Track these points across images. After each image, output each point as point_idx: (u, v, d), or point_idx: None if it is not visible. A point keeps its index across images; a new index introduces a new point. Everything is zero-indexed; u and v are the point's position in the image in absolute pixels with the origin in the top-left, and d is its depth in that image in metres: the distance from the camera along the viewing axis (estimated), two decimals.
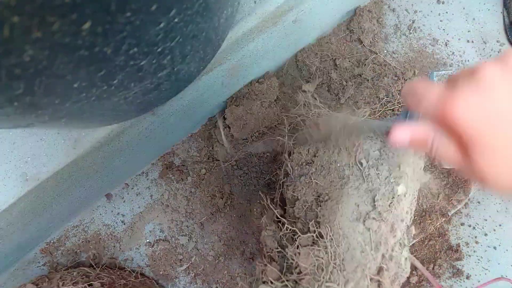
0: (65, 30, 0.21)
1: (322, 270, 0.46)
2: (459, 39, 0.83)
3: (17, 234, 0.64)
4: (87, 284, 0.65)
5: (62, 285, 0.65)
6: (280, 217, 0.53)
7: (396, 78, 0.80)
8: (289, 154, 0.58)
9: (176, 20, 0.30)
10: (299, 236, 0.48)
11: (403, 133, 0.37)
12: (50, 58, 0.23)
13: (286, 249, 0.49)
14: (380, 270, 0.45)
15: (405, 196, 0.47)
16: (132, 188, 0.80)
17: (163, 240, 0.79)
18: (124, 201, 0.80)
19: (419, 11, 0.84)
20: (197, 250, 0.79)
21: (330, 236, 0.46)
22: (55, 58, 0.23)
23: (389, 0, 0.84)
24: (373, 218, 0.46)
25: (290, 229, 0.50)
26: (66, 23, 0.21)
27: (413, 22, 0.83)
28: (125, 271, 0.76)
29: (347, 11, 0.81)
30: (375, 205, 0.46)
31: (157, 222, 0.80)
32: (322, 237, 0.47)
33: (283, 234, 0.51)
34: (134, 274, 0.75)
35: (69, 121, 0.37)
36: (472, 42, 0.83)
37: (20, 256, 0.76)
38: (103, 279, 0.68)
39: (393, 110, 0.78)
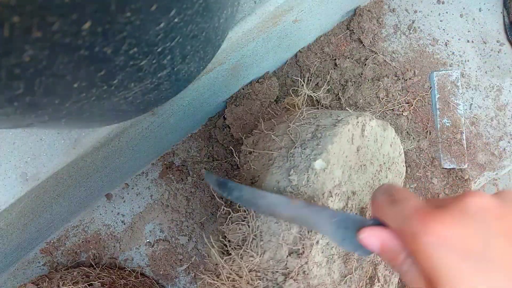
0: (65, 30, 0.21)
1: (245, 241, 0.48)
2: (459, 39, 0.83)
3: (17, 234, 0.64)
4: (87, 284, 0.65)
5: (62, 285, 0.65)
6: (224, 203, 0.56)
7: (396, 78, 0.80)
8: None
9: (176, 20, 0.30)
10: (232, 215, 0.51)
11: (373, 239, 0.33)
12: (50, 58, 0.23)
13: (221, 227, 0.53)
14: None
15: (324, 171, 0.47)
16: (132, 188, 0.80)
17: (163, 240, 0.79)
18: (124, 201, 0.80)
19: (419, 11, 0.84)
20: (197, 250, 0.79)
21: (252, 211, 0.48)
22: (55, 58, 0.23)
23: (389, 0, 0.84)
24: (290, 192, 0.47)
25: (225, 210, 0.54)
26: (66, 23, 0.21)
27: (413, 22, 0.83)
28: (125, 271, 0.76)
29: (347, 11, 0.81)
30: (289, 179, 0.48)
31: (157, 222, 0.80)
32: (248, 213, 0.49)
33: (221, 216, 0.54)
34: (134, 274, 0.75)
35: (69, 121, 0.37)
36: (472, 42, 0.83)
37: (20, 256, 0.76)
38: (103, 279, 0.68)
39: (393, 110, 0.78)
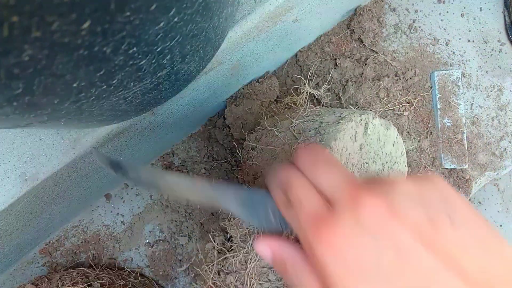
0: (64, 30, 0.21)
1: (246, 236, 0.48)
2: (459, 39, 0.83)
3: (16, 234, 0.64)
4: (87, 285, 0.64)
5: (62, 285, 0.65)
6: None
7: (397, 77, 0.79)
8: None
9: (175, 19, 0.30)
10: None
11: (264, 248, 0.31)
12: (49, 58, 0.23)
13: (222, 223, 0.52)
14: None
15: None
16: (132, 189, 0.80)
17: (162, 240, 0.79)
18: (123, 202, 0.80)
19: (419, 10, 0.84)
20: (197, 251, 0.79)
21: None
22: (54, 57, 0.23)
23: None
24: None
25: None
26: (66, 22, 0.21)
27: (413, 22, 0.83)
28: (124, 271, 0.76)
29: (348, 11, 0.81)
30: None
31: (157, 223, 0.79)
32: None
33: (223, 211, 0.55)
34: (133, 275, 0.75)
35: (68, 121, 0.37)
36: (473, 41, 0.82)
37: (19, 256, 0.75)
38: (102, 280, 0.68)
39: (393, 110, 0.78)
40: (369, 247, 0.23)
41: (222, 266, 0.52)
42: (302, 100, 0.63)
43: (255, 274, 0.46)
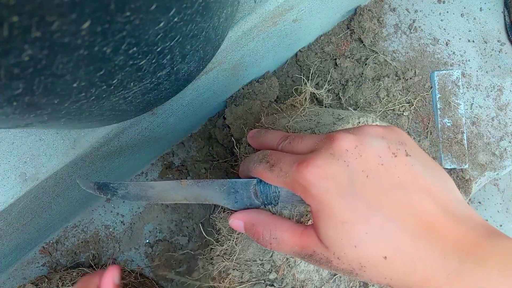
0: (64, 30, 0.21)
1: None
2: (459, 39, 0.83)
3: (16, 234, 0.64)
4: None
5: (62, 285, 0.65)
6: None
7: (397, 77, 0.79)
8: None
9: (175, 19, 0.30)
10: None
11: (236, 221, 0.38)
12: (49, 58, 0.23)
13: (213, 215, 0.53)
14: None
15: None
16: None
17: (162, 240, 0.79)
18: (123, 202, 0.80)
19: (419, 10, 0.84)
20: (196, 251, 0.79)
21: None
22: (54, 57, 0.23)
23: None
24: None
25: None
26: (65, 22, 0.21)
27: (413, 22, 0.83)
28: (124, 271, 0.76)
29: (347, 11, 0.81)
30: None
31: (157, 223, 0.79)
32: None
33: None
34: (133, 275, 0.75)
35: (68, 121, 0.37)
36: (473, 41, 0.82)
37: (19, 256, 0.75)
38: None
39: (393, 110, 0.78)
40: (343, 171, 0.30)
41: (211, 257, 0.52)
42: (303, 99, 0.63)
43: (239, 264, 0.47)
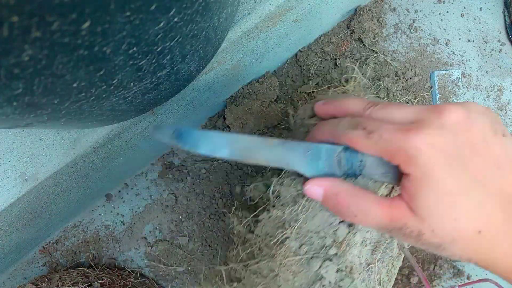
0: (64, 30, 0.21)
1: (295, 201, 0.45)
2: (459, 39, 0.83)
3: (16, 234, 0.64)
4: (87, 285, 0.65)
5: (62, 285, 0.65)
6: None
7: (397, 77, 0.79)
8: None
9: (175, 19, 0.30)
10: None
11: (315, 187, 0.35)
12: (49, 58, 0.23)
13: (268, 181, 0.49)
14: None
15: None
16: (132, 188, 0.80)
17: (162, 240, 0.79)
18: (123, 201, 0.80)
19: (419, 10, 0.84)
20: (195, 251, 0.79)
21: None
22: (54, 57, 0.23)
23: None
24: None
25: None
26: (66, 22, 0.21)
27: (413, 22, 0.83)
28: (124, 271, 0.76)
29: (348, 11, 0.81)
30: None
31: (157, 223, 0.79)
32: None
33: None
34: (133, 275, 0.75)
35: (68, 121, 0.37)
36: (473, 41, 0.82)
37: (19, 256, 0.75)
38: (102, 280, 0.68)
39: None
40: (452, 142, 0.30)
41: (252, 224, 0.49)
42: (352, 86, 0.61)
43: (298, 235, 0.44)
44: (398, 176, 0.33)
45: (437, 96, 0.79)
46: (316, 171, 0.36)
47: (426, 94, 0.80)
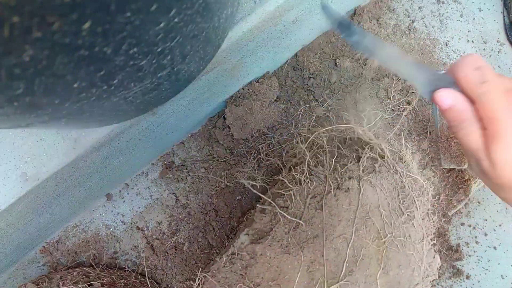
0: (65, 30, 0.21)
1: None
2: (459, 39, 0.83)
3: (16, 234, 0.64)
4: (87, 284, 0.65)
5: (62, 285, 0.65)
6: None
7: (396, 78, 0.80)
8: None
9: (176, 20, 0.30)
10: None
11: (449, 98, 0.42)
12: (50, 58, 0.23)
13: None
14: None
15: None
16: (132, 188, 0.80)
17: (162, 240, 0.79)
18: (124, 201, 0.80)
19: (418, 11, 0.84)
20: (194, 251, 0.79)
21: None
22: (55, 58, 0.23)
23: (388, 0, 0.84)
24: None
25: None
26: (66, 23, 0.21)
27: (412, 22, 0.83)
28: (125, 271, 0.76)
29: (347, 11, 0.81)
30: None
31: (157, 222, 0.79)
32: None
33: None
34: (134, 274, 0.75)
35: (69, 121, 0.37)
36: (472, 42, 0.83)
37: (20, 256, 0.76)
38: (103, 279, 0.68)
39: (393, 110, 0.78)
40: None
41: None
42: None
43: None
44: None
45: None
46: (430, 91, 0.44)
47: None
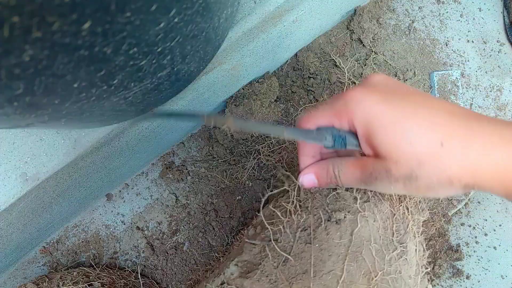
0: (65, 30, 0.21)
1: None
2: (459, 39, 0.83)
3: (16, 234, 0.64)
4: (87, 284, 0.65)
5: (62, 285, 0.65)
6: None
7: (396, 78, 0.80)
8: None
9: (176, 20, 0.30)
10: None
11: (309, 176, 0.41)
12: (50, 58, 0.23)
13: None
14: None
15: None
16: (132, 188, 0.80)
17: (162, 240, 0.79)
18: (124, 201, 0.80)
19: (418, 11, 0.84)
20: (194, 250, 0.79)
21: None
22: (55, 58, 0.23)
23: (388, 0, 0.84)
24: None
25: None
26: (66, 23, 0.21)
27: (413, 22, 0.83)
28: (125, 271, 0.76)
29: (347, 11, 0.81)
30: None
31: (157, 222, 0.80)
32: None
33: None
34: (134, 274, 0.75)
35: (69, 121, 0.37)
36: (472, 42, 0.83)
37: (20, 256, 0.76)
38: (103, 279, 0.68)
39: None
40: (382, 87, 0.35)
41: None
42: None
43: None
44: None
45: (437, 96, 0.79)
46: (313, 138, 0.41)
47: None
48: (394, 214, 0.47)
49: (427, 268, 0.51)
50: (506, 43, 0.82)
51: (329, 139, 0.39)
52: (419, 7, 0.84)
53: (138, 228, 0.79)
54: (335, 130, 0.40)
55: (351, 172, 0.37)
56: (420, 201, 0.53)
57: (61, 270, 0.74)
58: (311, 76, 0.81)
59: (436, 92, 0.79)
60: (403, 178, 0.32)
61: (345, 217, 0.44)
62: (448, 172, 0.30)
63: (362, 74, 0.80)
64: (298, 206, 0.47)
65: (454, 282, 0.76)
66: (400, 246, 0.45)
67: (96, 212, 0.80)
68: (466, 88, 0.82)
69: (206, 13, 0.35)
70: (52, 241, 0.78)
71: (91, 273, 0.70)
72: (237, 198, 0.80)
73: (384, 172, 0.33)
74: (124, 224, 0.80)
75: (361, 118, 0.33)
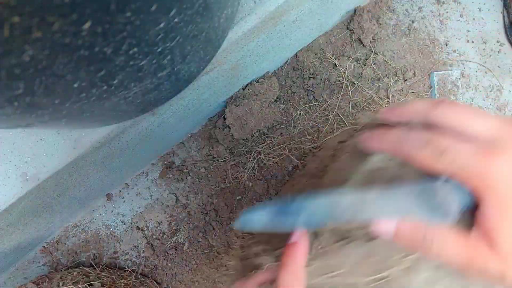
0: (65, 30, 0.21)
1: None
2: (459, 39, 0.83)
3: (17, 234, 0.64)
4: (87, 284, 0.65)
5: (63, 284, 0.65)
6: None
7: (396, 78, 0.80)
8: None
9: (176, 20, 0.30)
10: None
11: (387, 225, 0.29)
12: (50, 58, 0.23)
13: None
14: None
15: None
16: (132, 188, 0.80)
17: (162, 240, 0.79)
18: (124, 201, 0.80)
19: (418, 11, 0.84)
20: (194, 250, 0.79)
21: None
22: (55, 58, 0.23)
23: (389, 0, 0.84)
24: None
25: None
26: (66, 23, 0.21)
27: (412, 22, 0.83)
28: (125, 271, 0.76)
29: (347, 11, 0.81)
30: None
31: (157, 222, 0.80)
32: None
33: None
34: (134, 274, 0.75)
35: (69, 121, 0.37)
36: (472, 42, 0.83)
37: (20, 256, 0.76)
38: (103, 279, 0.68)
39: None
40: None
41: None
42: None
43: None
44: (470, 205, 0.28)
45: (437, 96, 0.79)
46: (427, 211, 0.29)
47: (426, 94, 0.80)
48: None
49: None
50: (506, 43, 0.82)
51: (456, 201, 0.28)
52: (419, 7, 0.84)
53: (138, 228, 0.79)
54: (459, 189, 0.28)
55: (454, 252, 0.28)
56: None
57: (61, 270, 0.74)
58: (311, 76, 0.81)
59: (436, 92, 0.79)
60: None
61: None
62: None
63: (361, 74, 0.80)
64: None
65: None
66: None
67: (96, 212, 0.80)
68: (466, 88, 0.82)
69: (206, 13, 0.35)
70: (52, 241, 0.78)
71: (91, 273, 0.70)
72: (237, 198, 0.80)
73: (499, 275, 0.27)
74: (124, 224, 0.80)
75: (498, 200, 0.26)
